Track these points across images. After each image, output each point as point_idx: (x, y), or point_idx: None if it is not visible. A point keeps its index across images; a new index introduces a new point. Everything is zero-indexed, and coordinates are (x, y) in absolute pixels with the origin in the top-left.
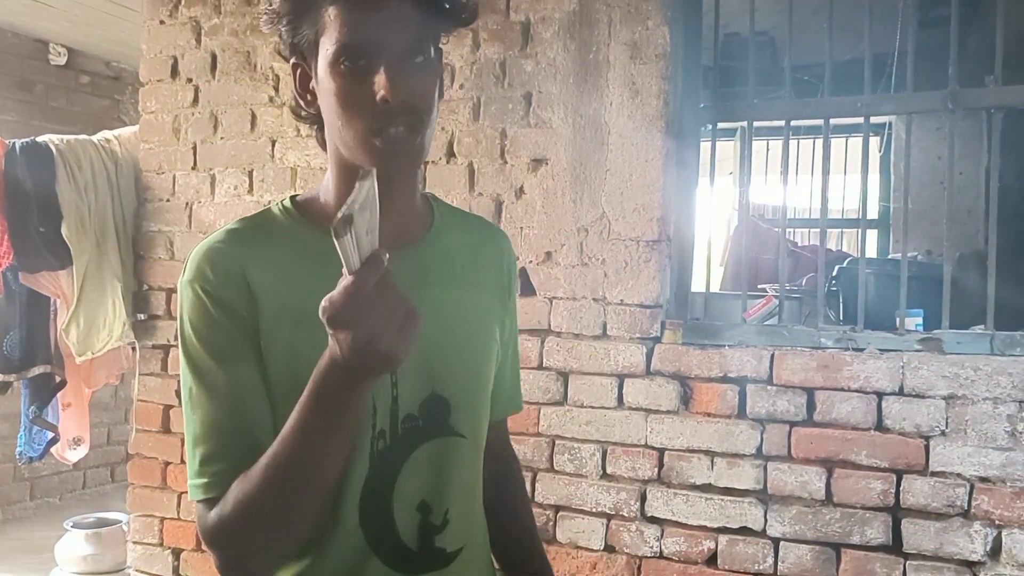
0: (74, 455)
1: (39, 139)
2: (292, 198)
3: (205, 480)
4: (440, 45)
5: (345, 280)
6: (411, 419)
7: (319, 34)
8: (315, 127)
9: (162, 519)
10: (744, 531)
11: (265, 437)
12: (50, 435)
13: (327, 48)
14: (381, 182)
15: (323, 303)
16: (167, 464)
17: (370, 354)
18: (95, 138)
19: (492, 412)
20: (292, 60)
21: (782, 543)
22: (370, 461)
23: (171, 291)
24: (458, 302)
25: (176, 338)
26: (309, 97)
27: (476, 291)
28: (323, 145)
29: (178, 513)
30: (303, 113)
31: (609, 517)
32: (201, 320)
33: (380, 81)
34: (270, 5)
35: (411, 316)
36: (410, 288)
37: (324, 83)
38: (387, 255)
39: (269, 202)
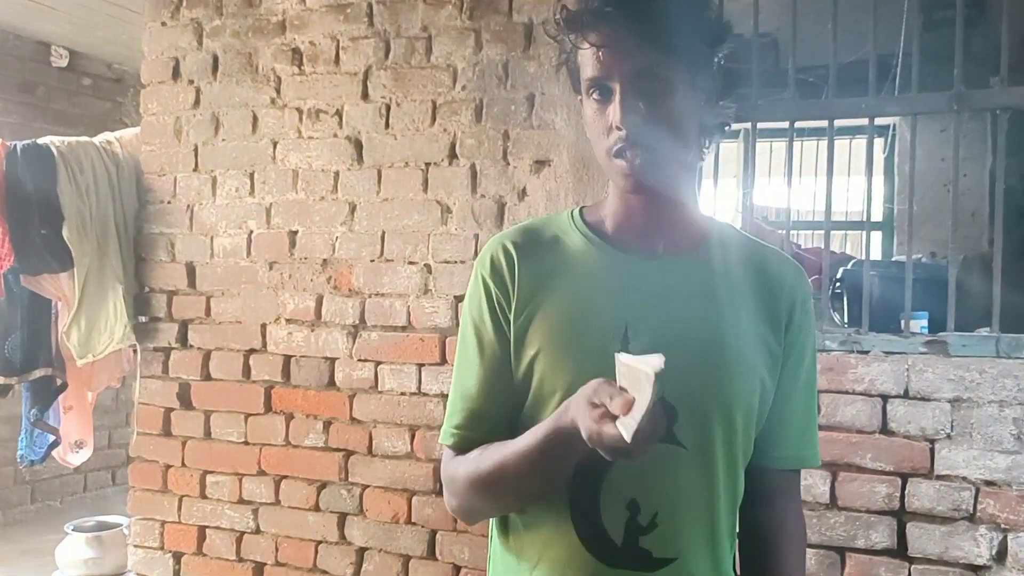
0: (76, 458)
1: (40, 141)
2: (583, 207)
3: (451, 432)
4: (709, 68)
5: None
6: None
7: (581, 71)
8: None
9: (163, 522)
10: None
11: (503, 408)
12: (51, 438)
13: (584, 85)
14: (634, 198)
15: (604, 438)
16: (168, 467)
17: (621, 452)
18: (96, 140)
19: (771, 456)
20: (579, 96)
21: None
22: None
23: (172, 293)
24: (713, 315)
25: (176, 340)
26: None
27: (734, 312)
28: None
29: (179, 516)
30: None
31: None
32: (472, 299)
33: (612, 111)
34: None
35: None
36: (663, 294)
37: (585, 113)
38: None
39: (270, 204)
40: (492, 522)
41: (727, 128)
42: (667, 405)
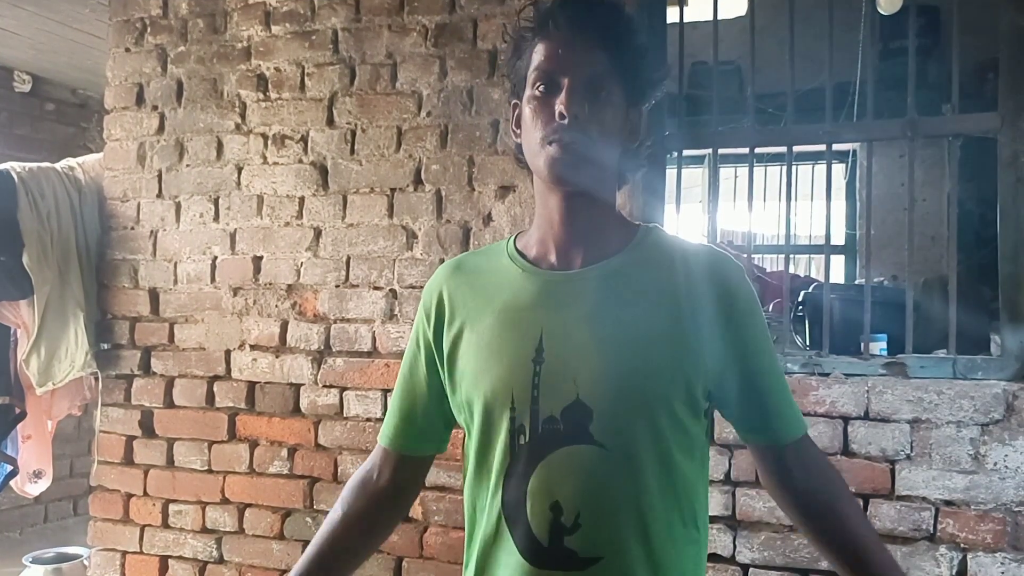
0: (35, 488)
1: (0, 167)
2: (520, 232)
3: (381, 429)
4: (643, 107)
5: None
6: (552, 421)
7: (527, 70)
8: (524, 166)
9: (124, 553)
10: (713, 558)
11: (420, 419)
12: (8, 468)
13: (530, 78)
14: (560, 192)
15: None
16: (130, 496)
17: None
18: (58, 165)
19: (763, 437)
20: (512, 101)
21: (751, 569)
22: (511, 453)
23: (135, 320)
24: (626, 321)
25: (139, 367)
26: (519, 130)
27: (658, 314)
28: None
29: (140, 547)
30: (519, 155)
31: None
32: (414, 326)
33: (561, 97)
34: (506, 56)
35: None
36: (578, 303)
37: (525, 108)
38: None
39: (235, 230)
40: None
41: (641, 169)
42: (582, 406)
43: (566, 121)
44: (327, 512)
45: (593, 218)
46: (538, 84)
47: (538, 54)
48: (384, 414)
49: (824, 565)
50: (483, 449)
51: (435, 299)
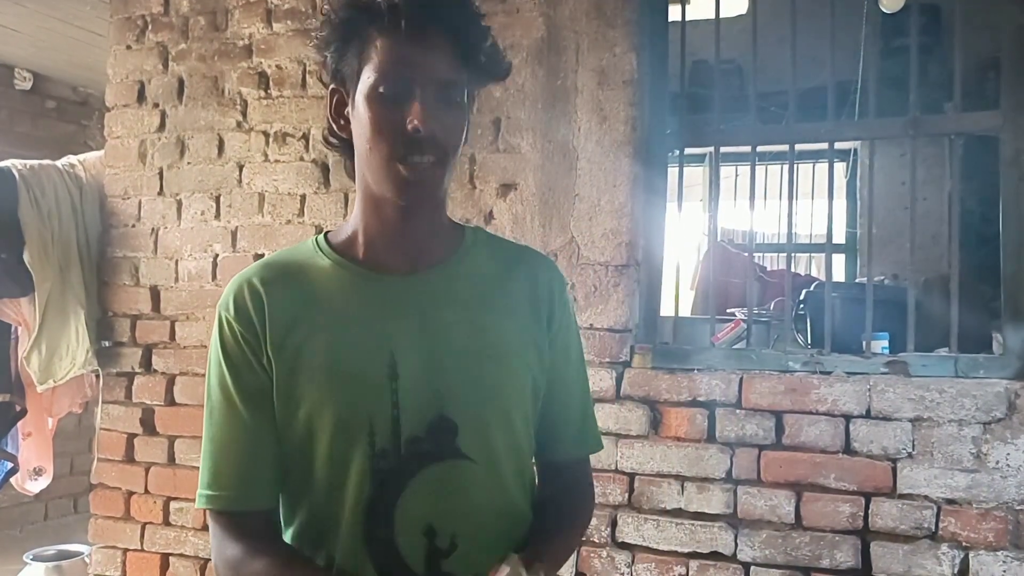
0: (35, 486)
1: (1, 164)
2: (328, 232)
3: (210, 496)
4: (476, 92)
5: None
6: (416, 441)
7: (362, 63)
8: (345, 156)
9: (125, 551)
10: (715, 556)
11: (266, 458)
12: (9, 465)
13: (368, 76)
14: (401, 209)
15: None
16: (131, 494)
17: None
18: (59, 163)
19: (557, 450)
20: (332, 86)
21: (752, 568)
22: (372, 481)
23: (136, 317)
24: (475, 325)
25: (140, 364)
26: (342, 122)
27: (500, 315)
28: (351, 175)
29: (141, 544)
30: (332, 140)
31: (580, 543)
32: (218, 347)
33: (414, 110)
34: (320, 32)
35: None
36: (424, 311)
37: (360, 109)
38: None
39: (236, 228)
40: None
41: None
42: (447, 421)
43: (421, 135)
44: None
45: (429, 218)
46: (379, 86)
47: (381, 51)
48: None
49: (825, 564)
50: (333, 478)
51: (252, 306)
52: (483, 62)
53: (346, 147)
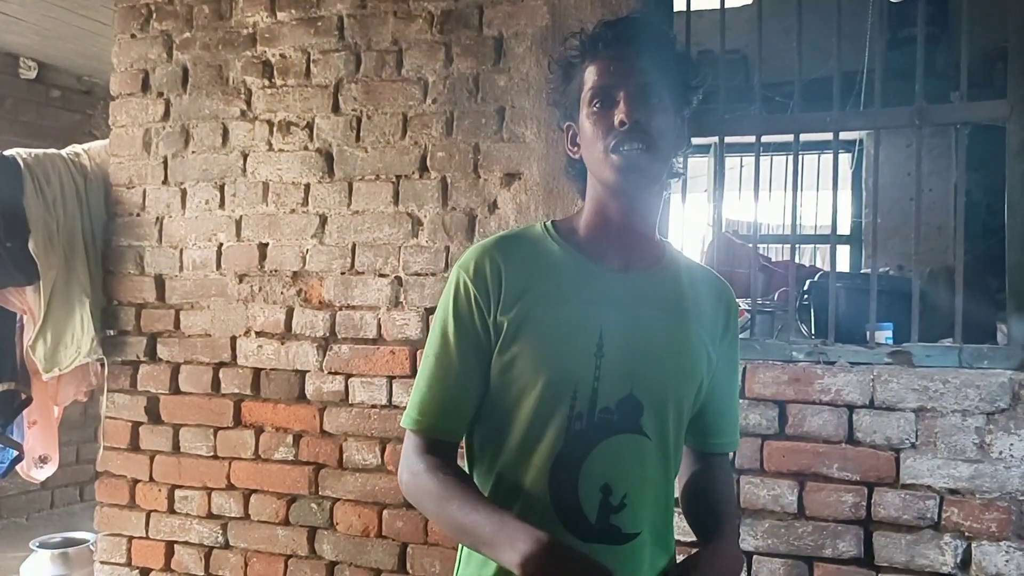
0: (40, 474)
1: (6, 153)
2: (555, 221)
3: (415, 419)
4: (684, 113)
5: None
6: (607, 412)
7: (580, 90)
8: (580, 180)
9: (130, 538)
10: None
11: (465, 399)
12: (14, 453)
13: (585, 97)
14: (623, 198)
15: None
16: (136, 482)
17: None
18: (64, 152)
19: (708, 444)
20: (566, 124)
21: (755, 557)
22: (565, 437)
23: (141, 306)
24: (670, 326)
25: (144, 353)
26: (576, 150)
27: (689, 321)
28: (583, 195)
29: (146, 532)
30: (571, 170)
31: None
32: (452, 300)
33: (619, 108)
34: (550, 85)
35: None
36: (631, 305)
37: (583, 125)
38: None
39: (240, 217)
40: None
41: (680, 175)
42: (635, 400)
43: (627, 127)
44: (332, 498)
45: (644, 225)
46: (595, 101)
47: (591, 74)
48: (390, 401)
49: (828, 553)
50: (532, 430)
51: (491, 274)
52: (678, 76)
53: (580, 172)
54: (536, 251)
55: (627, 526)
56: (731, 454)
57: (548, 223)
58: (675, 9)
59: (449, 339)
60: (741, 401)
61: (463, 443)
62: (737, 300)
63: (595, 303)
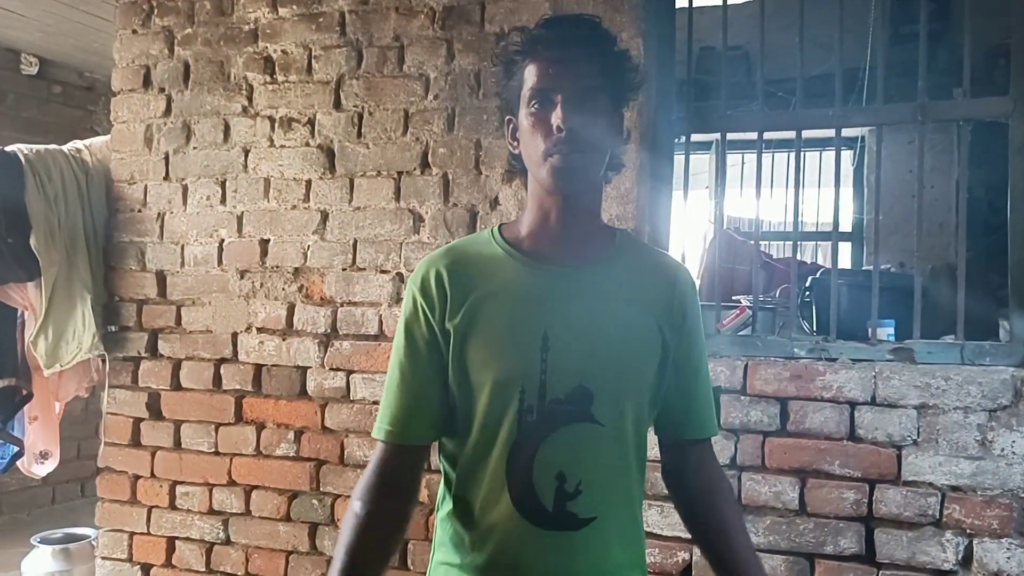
0: (41, 469)
1: (7, 149)
2: (502, 225)
3: (385, 429)
4: (623, 110)
5: None
6: (558, 403)
7: (520, 87)
8: (523, 174)
9: (131, 534)
10: None
11: (429, 406)
12: (15, 449)
13: (525, 96)
14: (561, 197)
15: None
16: (137, 478)
17: None
18: (65, 148)
19: (684, 432)
20: (507, 117)
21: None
22: (518, 430)
23: (142, 302)
24: (619, 315)
25: (146, 349)
26: (516, 143)
27: (640, 309)
28: (527, 187)
29: (148, 528)
30: (515, 163)
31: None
32: (405, 314)
33: (556, 113)
34: (497, 76)
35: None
36: (577, 299)
37: (522, 124)
38: None
39: (241, 213)
40: (439, 499)
41: (622, 167)
42: (585, 390)
43: (563, 134)
44: (333, 494)
45: (586, 220)
46: (533, 102)
47: (531, 74)
48: None
49: (829, 550)
50: (488, 426)
51: (435, 285)
52: (616, 76)
53: (523, 166)
54: (481, 257)
55: (583, 512)
56: (711, 440)
57: (495, 228)
58: (677, 5)
59: (406, 352)
60: (743, 397)
61: (439, 447)
62: (694, 281)
63: (539, 300)
